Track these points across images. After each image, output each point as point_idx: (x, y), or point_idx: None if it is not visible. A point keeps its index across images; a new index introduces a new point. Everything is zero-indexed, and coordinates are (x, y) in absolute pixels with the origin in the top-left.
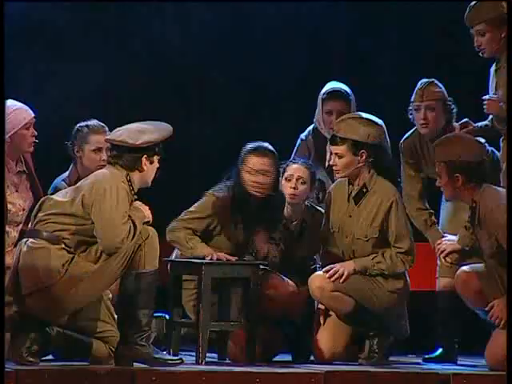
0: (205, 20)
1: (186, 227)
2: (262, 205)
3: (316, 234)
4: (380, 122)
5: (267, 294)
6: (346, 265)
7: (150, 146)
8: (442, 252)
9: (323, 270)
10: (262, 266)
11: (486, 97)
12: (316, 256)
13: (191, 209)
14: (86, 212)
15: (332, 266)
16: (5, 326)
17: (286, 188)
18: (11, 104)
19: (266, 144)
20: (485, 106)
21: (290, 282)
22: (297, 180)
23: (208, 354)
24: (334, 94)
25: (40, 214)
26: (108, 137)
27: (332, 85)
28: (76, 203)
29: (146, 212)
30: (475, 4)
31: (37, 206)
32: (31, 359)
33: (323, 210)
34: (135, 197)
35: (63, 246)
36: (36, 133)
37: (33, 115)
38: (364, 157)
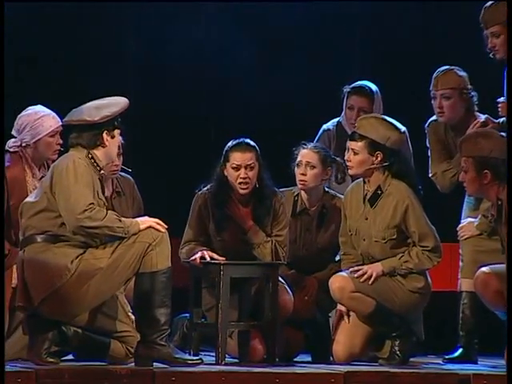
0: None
1: (186, 241)
2: (246, 199)
3: (337, 222)
4: (403, 128)
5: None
6: (373, 267)
7: (109, 120)
8: (462, 237)
9: (350, 270)
10: None
11: (501, 99)
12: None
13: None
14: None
15: (360, 267)
16: (21, 328)
17: (297, 174)
18: (39, 110)
19: (247, 139)
20: (499, 109)
21: (286, 289)
22: (305, 166)
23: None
24: (358, 90)
25: (23, 221)
26: (65, 119)
27: (361, 82)
28: (47, 196)
29: (153, 223)
30: (490, 5)
31: (19, 214)
32: (51, 360)
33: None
34: (102, 172)
35: (63, 243)
36: (61, 141)
37: (60, 123)
38: (379, 158)
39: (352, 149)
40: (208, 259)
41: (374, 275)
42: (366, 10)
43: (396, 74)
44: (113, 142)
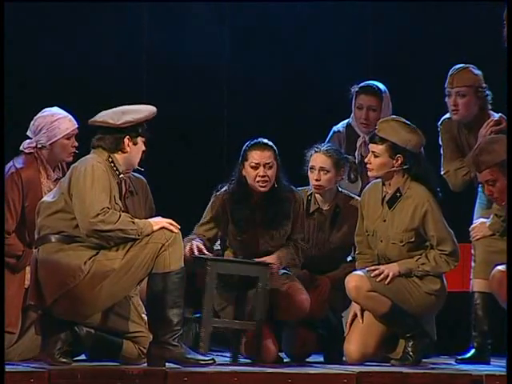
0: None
1: (197, 234)
2: (264, 200)
3: (350, 221)
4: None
5: (281, 304)
6: (390, 267)
7: (132, 126)
8: (475, 238)
9: (367, 269)
10: (283, 271)
11: None
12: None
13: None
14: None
15: (376, 267)
16: (34, 328)
17: (311, 179)
18: (56, 112)
19: (265, 139)
20: None
21: (302, 289)
22: (319, 171)
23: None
24: (366, 89)
25: (39, 220)
26: (92, 119)
27: (369, 81)
28: (64, 197)
29: (166, 223)
30: None
31: (36, 214)
32: (63, 360)
33: (358, 198)
34: (121, 176)
35: (77, 244)
36: (77, 143)
37: (76, 126)
38: (399, 161)
39: (372, 151)
40: (196, 253)
41: (390, 275)
42: (371, 9)
43: (398, 73)
44: (135, 149)
